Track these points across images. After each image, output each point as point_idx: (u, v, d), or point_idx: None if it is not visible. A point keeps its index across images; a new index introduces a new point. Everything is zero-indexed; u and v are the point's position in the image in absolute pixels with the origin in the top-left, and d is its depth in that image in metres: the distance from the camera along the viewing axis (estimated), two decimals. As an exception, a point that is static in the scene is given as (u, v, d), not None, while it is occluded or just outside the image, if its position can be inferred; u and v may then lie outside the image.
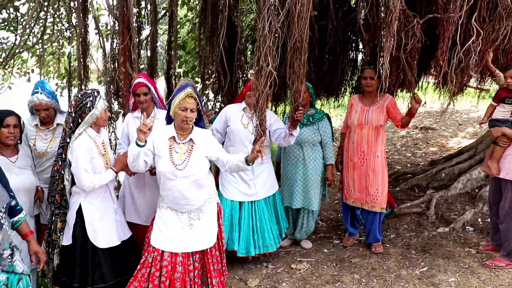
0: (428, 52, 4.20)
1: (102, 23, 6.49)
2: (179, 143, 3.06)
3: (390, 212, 5.02)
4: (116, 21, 4.24)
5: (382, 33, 4.02)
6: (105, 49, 4.86)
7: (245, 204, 3.94)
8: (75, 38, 7.47)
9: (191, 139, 3.08)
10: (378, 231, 4.29)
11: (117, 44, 4.29)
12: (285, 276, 3.93)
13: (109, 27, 5.28)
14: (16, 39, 6.97)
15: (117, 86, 4.27)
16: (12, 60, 7.52)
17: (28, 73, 8.15)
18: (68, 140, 3.01)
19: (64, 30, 7.54)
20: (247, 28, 5.59)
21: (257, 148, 3.00)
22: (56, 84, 7.75)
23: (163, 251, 3.04)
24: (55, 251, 3.05)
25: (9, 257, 2.27)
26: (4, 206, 2.29)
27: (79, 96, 3.04)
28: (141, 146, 2.93)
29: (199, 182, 3.07)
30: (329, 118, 4.34)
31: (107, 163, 3.13)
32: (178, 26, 6.45)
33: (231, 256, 3.89)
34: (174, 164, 3.01)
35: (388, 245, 4.43)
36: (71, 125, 3.02)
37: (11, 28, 7.23)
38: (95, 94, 3.05)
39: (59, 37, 7.63)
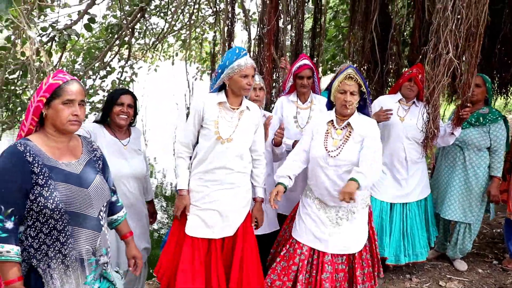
0: None
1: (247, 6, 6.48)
2: (337, 129, 2.77)
3: None
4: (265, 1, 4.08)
5: None
6: (250, 32, 4.79)
7: (396, 206, 3.56)
8: (218, 23, 7.66)
9: (349, 124, 2.76)
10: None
11: (263, 26, 4.13)
12: (432, 294, 3.47)
13: (253, 10, 5.21)
14: (165, 25, 7.37)
15: (260, 69, 4.13)
16: (160, 44, 8.02)
17: (173, 57, 8.60)
18: None
19: (207, 16, 7.81)
20: (402, 14, 5.08)
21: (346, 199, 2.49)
22: (197, 68, 8.05)
23: (303, 245, 2.82)
24: None
25: (105, 264, 1.96)
26: (105, 205, 1.97)
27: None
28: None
29: None
30: (505, 121, 3.66)
31: None
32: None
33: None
34: (327, 150, 2.73)
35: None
36: None
37: (161, 14, 7.65)
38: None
39: (202, 22, 7.91)
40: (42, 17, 5.15)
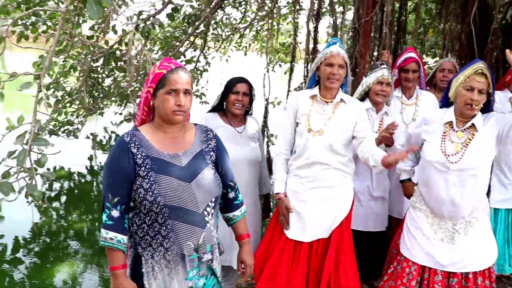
0: None
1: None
2: (457, 131, 2.44)
3: None
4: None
5: None
6: (336, 24, 4.59)
7: (501, 212, 3.28)
8: (291, 13, 7.51)
9: (473, 126, 2.42)
10: None
11: (358, 19, 3.91)
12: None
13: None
14: (243, 16, 7.33)
15: (355, 62, 3.93)
16: (232, 35, 8.01)
17: (246, 48, 8.56)
18: None
19: (280, 8, 7.67)
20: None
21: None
22: (270, 59, 7.94)
23: (413, 262, 2.53)
24: None
25: (210, 261, 1.86)
26: (213, 200, 1.85)
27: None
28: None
29: (478, 180, 2.39)
30: None
31: None
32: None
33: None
34: (445, 154, 2.42)
35: None
36: None
37: (236, 5, 7.62)
38: (379, 64, 2.81)
39: (276, 14, 7.79)
40: (125, 6, 5.27)
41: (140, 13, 4.80)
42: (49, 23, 6.11)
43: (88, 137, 8.72)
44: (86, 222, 5.15)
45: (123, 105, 7.24)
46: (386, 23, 3.77)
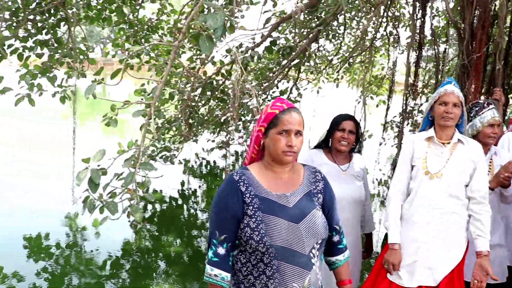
0: None
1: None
2: None
3: None
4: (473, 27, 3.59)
5: None
6: (438, 57, 4.38)
7: None
8: (385, 45, 7.35)
9: None
10: None
11: (468, 54, 3.63)
12: None
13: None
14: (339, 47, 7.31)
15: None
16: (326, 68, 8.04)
17: (337, 79, 8.53)
18: None
19: (376, 39, 7.56)
20: None
21: None
22: (361, 92, 7.83)
23: None
24: None
25: None
26: (318, 242, 1.80)
27: (469, 105, 2.71)
28: None
29: None
30: None
31: None
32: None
33: None
34: None
35: None
36: None
37: (330, 38, 7.65)
38: (485, 104, 2.64)
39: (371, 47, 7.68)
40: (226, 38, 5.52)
41: (240, 45, 4.98)
42: (151, 54, 6.62)
43: (180, 162, 9.12)
44: (175, 245, 5.31)
45: (216, 133, 7.50)
46: (500, 58, 3.49)
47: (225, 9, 2.45)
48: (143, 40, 6.56)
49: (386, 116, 5.76)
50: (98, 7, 5.71)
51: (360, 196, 2.86)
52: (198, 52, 6.00)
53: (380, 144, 7.03)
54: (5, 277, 4.31)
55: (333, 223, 1.93)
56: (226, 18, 2.32)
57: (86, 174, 2.49)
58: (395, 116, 6.71)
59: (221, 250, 1.74)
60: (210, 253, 1.75)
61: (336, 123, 2.84)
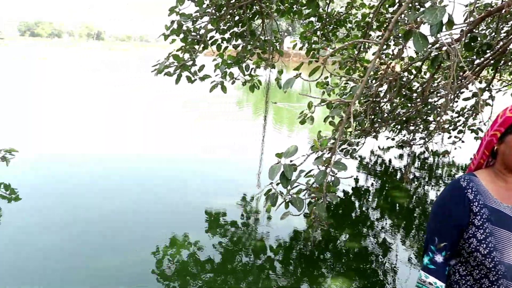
0: None
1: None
2: None
3: None
4: None
5: None
6: None
7: None
8: None
9: None
10: None
11: None
12: None
13: None
14: None
15: None
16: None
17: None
18: None
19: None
20: None
21: None
22: None
23: None
24: None
25: None
26: None
27: None
28: None
29: None
30: None
31: None
32: None
33: None
34: None
35: None
36: None
37: None
38: None
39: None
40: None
41: (436, 41, 4.53)
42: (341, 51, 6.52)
43: (356, 158, 8.95)
44: (352, 240, 5.21)
45: (397, 131, 7.09)
46: None
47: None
48: (330, 34, 6.52)
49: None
50: (290, 0, 5.83)
51: None
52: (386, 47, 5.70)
53: None
54: (189, 245, 4.80)
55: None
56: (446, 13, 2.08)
57: (279, 169, 2.53)
58: None
59: (439, 258, 1.66)
60: (426, 260, 1.69)
61: None
